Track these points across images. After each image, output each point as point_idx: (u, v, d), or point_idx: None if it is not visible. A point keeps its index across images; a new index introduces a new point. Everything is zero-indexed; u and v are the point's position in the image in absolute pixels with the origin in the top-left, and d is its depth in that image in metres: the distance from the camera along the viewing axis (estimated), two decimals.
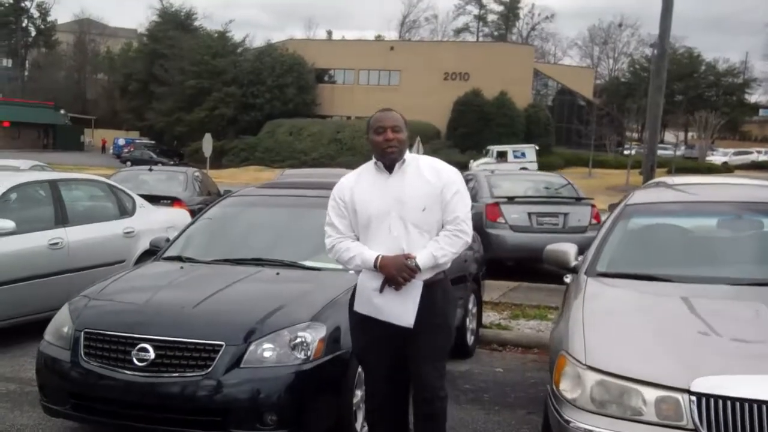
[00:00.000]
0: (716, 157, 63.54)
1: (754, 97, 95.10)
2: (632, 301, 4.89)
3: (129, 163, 55.90)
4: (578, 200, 13.07)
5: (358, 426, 5.14)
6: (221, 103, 62.21)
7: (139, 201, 9.46)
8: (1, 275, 7.37)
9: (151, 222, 9.35)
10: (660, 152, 52.54)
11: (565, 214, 12.56)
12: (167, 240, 6.64)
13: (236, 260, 5.93)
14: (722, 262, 5.54)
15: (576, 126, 66.28)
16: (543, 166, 45.76)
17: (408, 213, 4.28)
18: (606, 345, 4.25)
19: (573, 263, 5.69)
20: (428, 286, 4.30)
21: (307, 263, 5.83)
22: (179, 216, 10.28)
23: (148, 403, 4.73)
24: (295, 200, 6.71)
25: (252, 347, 4.72)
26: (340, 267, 5.79)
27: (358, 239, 4.42)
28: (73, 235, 8.13)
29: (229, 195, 6.96)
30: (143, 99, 70.54)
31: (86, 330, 4.99)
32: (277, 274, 5.63)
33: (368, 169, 4.47)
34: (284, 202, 6.74)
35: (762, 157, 68.60)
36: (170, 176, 15.38)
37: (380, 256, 4.24)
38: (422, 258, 4.24)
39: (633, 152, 58.36)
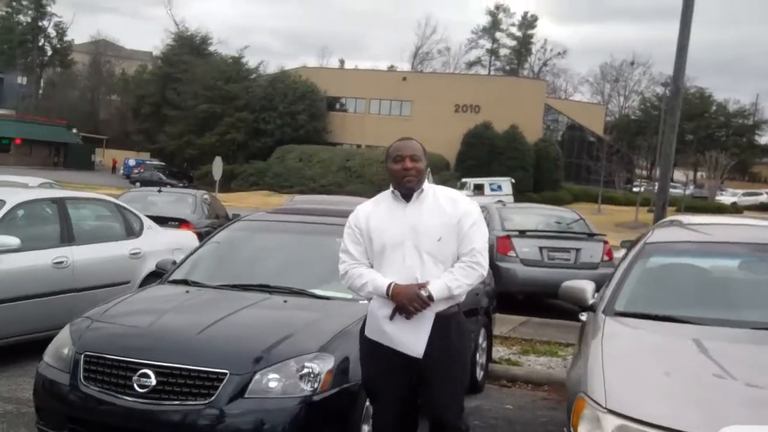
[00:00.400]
0: (725, 197, 63.48)
1: (764, 138, 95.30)
2: (651, 343, 4.73)
3: (138, 183, 56.05)
4: (590, 236, 12.91)
5: None
6: (232, 127, 62.33)
7: (147, 222, 9.33)
8: (3, 292, 7.22)
9: (158, 243, 9.21)
10: (669, 191, 52.67)
11: (577, 250, 12.39)
12: (174, 263, 6.49)
13: (243, 286, 5.78)
14: (742, 305, 5.38)
15: (585, 162, 66.25)
16: (551, 201, 45.47)
17: (423, 242, 4.23)
18: (627, 388, 4.08)
19: (590, 301, 5.54)
20: (442, 318, 4.23)
21: (317, 291, 5.69)
22: (186, 238, 10.14)
23: (148, 431, 4.56)
24: (306, 227, 6.59)
25: (257, 377, 4.56)
26: (350, 296, 5.68)
27: (372, 267, 4.35)
28: (78, 254, 7.99)
29: (238, 219, 6.82)
30: (155, 121, 70.71)
31: (87, 353, 4.84)
32: (285, 301, 5.48)
33: (385, 197, 4.44)
34: (294, 229, 6.61)
35: None
36: (179, 198, 15.28)
37: (393, 284, 4.18)
38: (436, 288, 4.17)
39: (642, 189, 58.27)
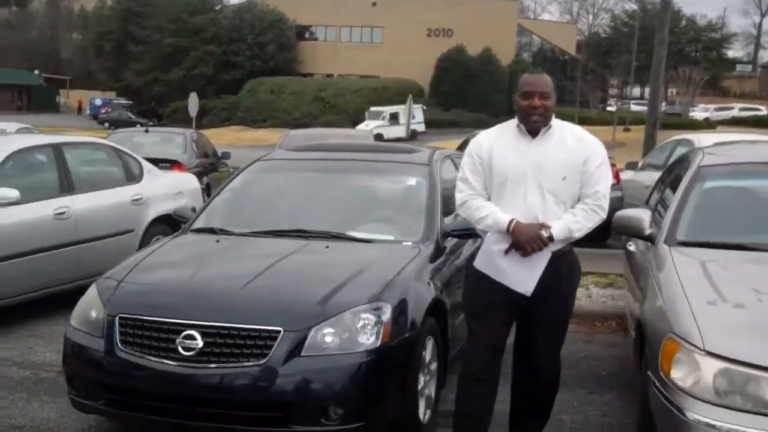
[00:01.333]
0: (697, 113, 63.39)
1: (732, 52, 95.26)
2: (732, 275, 4.40)
3: (107, 124, 54.84)
4: None
5: (421, 415, 4.64)
6: (200, 62, 61.05)
7: (146, 165, 8.77)
8: (4, 248, 6.74)
9: (160, 188, 8.70)
10: (640, 108, 52.26)
11: None
12: (193, 209, 6.00)
13: (277, 232, 5.33)
14: None
15: (559, 82, 65.62)
16: None
17: (546, 180, 4.07)
18: (723, 327, 3.75)
19: (648, 231, 5.19)
20: (555, 257, 4.09)
21: (357, 234, 5.27)
22: (187, 181, 9.64)
23: (196, 397, 4.16)
24: (332, 165, 6.13)
25: (312, 333, 4.16)
26: (392, 238, 5.30)
27: (489, 199, 4.20)
28: (79, 203, 7.48)
29: (257, 160, 6.32)
30: (120, 58, 68.93)
31: (121, 315, 4.40)
32: (327, 247, 5.06)
33: (510, 128, 4.23)
34: (320, 167, 6.13)
35: (743, 113, 68.71)
36: (167, 138, 14.57)
37: (515, 221, 4.04)
38: (557, 229, 4.04)
39: (616, 108, 58.00)
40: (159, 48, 62.96)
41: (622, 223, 5.29)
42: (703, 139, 11.39)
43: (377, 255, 4.91)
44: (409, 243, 5.17)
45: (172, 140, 14.29)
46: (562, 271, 4.16)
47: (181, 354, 4.17)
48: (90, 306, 4.65)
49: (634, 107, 61.04)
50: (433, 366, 4.84)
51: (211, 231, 5.51)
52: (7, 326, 6.93)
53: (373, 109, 48.56)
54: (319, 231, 5.28)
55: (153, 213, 8.40)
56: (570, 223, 4.05)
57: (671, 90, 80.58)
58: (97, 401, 4.43)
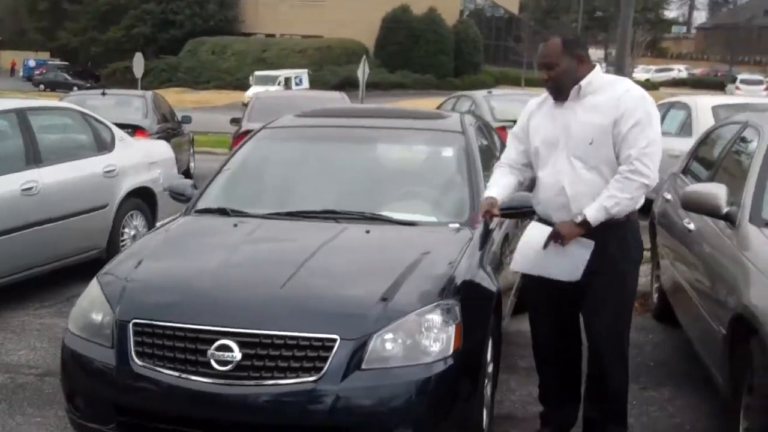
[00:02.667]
0: (638, 74, 63.65)
1: (670, 13, 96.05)
2: None
3: (42, 86, 52.66)
4: None
5: (485, 425, 4.00)
6: (139, 20, 58.75)
7: (118, 132, 7.83)
8: None
9: (134, 157, 7.80)
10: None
11: None
12: (194, 186, 5.16)
13: (304, 214, 4.56)
14: None
15: (504, 43, 65.25)
16: (472, 85, 44.22)
17: (573, 145, 3.84)
18: None
19: (725, 208, 4.56)
20: (601, 231, 3.78)
21: (397, 216, 4.52)
22: (162, 149, 8.72)
23: (233, 422, 3.43)
24: (354, 133, 5.33)
25: (374, 341, 3.45)
26: (436, 220, 4.59)
27: (531, 170, 4.13)
28: (48, 176, 6.56)
29: (263, 128, 5.47)
30: (54, 17, 65.95)
31: (136, 320, 3.61)
32: (367, 232, 4.30)
33: (548, 99, 4.05)
34: (341, 135, 5.34)
35: (682, 74, 69.54)
36: (125, 101, 13.41)
37: (491, 199, 4.02)
38: (592, 212, 3.76)
39: None
40: (95, 6, 60.53)
41: (694, 199, 4.63)
42: (699, 102, 10.89)
43: (428, 241, 4.18)
44: (456, 225, 4.46)
45: (131, 103, 13.16)
46: (609, 247, 3.82)
47: (215, 369, 3.42)
48: (93, 308, 3.84)
49: None
50: (490, 368, 4.17)
51: (223, 212, 4.70)
52: None
53: (259, 73, 44.90)
54: (352, 212, 4.53)
55: (127, 186, 7.55)
56: (604, 200, 3.75)
57: (610, 51, 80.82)
58: (106, 425, 3.64)
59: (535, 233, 3.91)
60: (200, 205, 4.85)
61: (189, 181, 5.35)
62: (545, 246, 3.84)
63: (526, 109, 4.15)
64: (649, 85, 52.65)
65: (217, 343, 3.43)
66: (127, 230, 7.66)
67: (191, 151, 15.19)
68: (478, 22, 63.82)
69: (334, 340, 3.40)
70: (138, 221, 7.85)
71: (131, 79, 30.63)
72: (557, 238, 3.81)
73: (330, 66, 51.80)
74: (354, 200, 4.67)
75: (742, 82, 50.37)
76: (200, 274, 3.89)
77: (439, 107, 14.00)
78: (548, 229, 3.85)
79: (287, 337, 3.41)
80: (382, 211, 4.55)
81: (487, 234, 4.48)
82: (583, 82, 3.83)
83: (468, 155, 4.97)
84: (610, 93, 3.80)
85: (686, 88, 55.66)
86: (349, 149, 5.19)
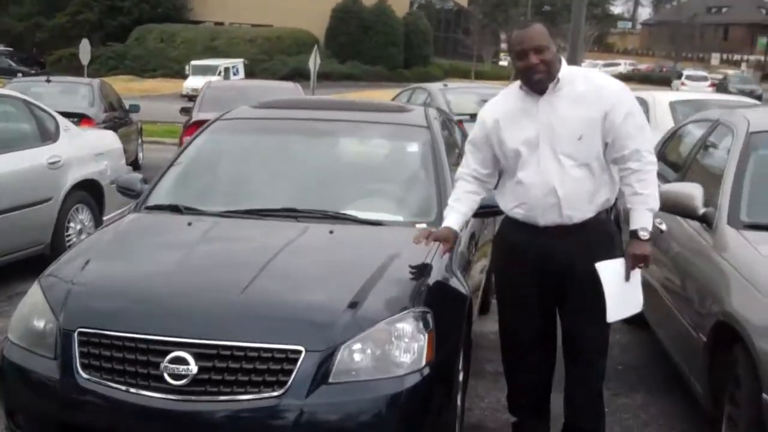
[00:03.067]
0: (585, 68, 64.30)
1: (616, 8, 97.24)
2: None
3: None
4: None
5: None
6: (85, 6, 57.32)
7: (63, 122, 7.44)
8: None
9: (79, 148, 7.41)
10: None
11: None
12: (143, 180, 4.84)
13: (261, 211, 4.28)
14: None
15: (453, 35, 65.23)
16: (422, 78, 43.96)
17: (559, 142, 3.55)
18: None
19: (702, 210, 4.41)
20: (582, 229, 3.62)
21: (362, 215, 4.26)
22: (109, 140, 8.35)
23: None
24: (314, 126, 5.05)
25: (341, 352, 3.20)
26: (402, 219, 4.34)
27: (497, 176, 3.83)
28: None
29: (218, 119, 5.17)
30: None
31: (81, 330, 3.31)
32: (331, 232, 4.04)
33: (514, 92, 3.72)
34: (300, 129, 5.05)
35: (628, 68, 70.48)
36: (71, 89, 12.90)
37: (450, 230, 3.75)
38: (643, 221, 3.56)
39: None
40: None
41: (671, 200, 4.45)
42: (657, 97, 10.80)
43: (395, 243, 3.92)
44: (424, 225, 4.21)
45: (77, 91, 12.66)
46: (594, 245, 3.61)
47: (168, 383, 3.14)
48: (34, 314, 3.53)
49: None
50: (461, 376, 3.94)
51: (175, 209, 4.40)
52: None
53: (196, 62, 42.78)
54: (314, 210, 4.26)
55: (72, 178, 7.18)
56: (642, 204, 3.55)
57: (558, 44, 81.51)
58: None
59: (608, 275, 3.55)
60: (151, 202, 4.54)
61: (138, 175, 5.03)
62: (627, 278, 3.56)
63: (484, 115, 3.78)
64: None
65: (170, 355, 3.15)
66: (72, 225, 7.30)
67: (139, 141, 14.76)
68: (428, 14, 63.67)
69: (299, 352, 3.14)
70: (84, 215, 7.49)
71: (77, 66, 29.87)
72: (640, 262, 3.55)
73: (280, 56, 51.26)
74: (316, 198, 4.40)
75: (688, 78, 51.02)
76: (152, 278, 3.60)
77: (393, 100, 13.78)
78: (618, 262, 3.57)
79: (248, 348, 3.15)
80: (346, 210, 4.29)
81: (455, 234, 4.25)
82: (561, 73, 3.54)
83: (434, 151, 4.74)
84: (587, 84, 3.56)
85: (633, 83, 56.23)
86: (309, 143, 4.93)
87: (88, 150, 7.56)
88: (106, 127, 10.96)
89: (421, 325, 3.35)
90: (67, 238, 7.16)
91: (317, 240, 3.96)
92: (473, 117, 10.56)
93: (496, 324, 4.08)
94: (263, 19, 56.04)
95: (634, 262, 3.55)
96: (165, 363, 3.14)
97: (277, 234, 3.98)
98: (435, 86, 12.53)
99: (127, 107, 14.02)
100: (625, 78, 61.05)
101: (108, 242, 4.08)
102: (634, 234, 3.55)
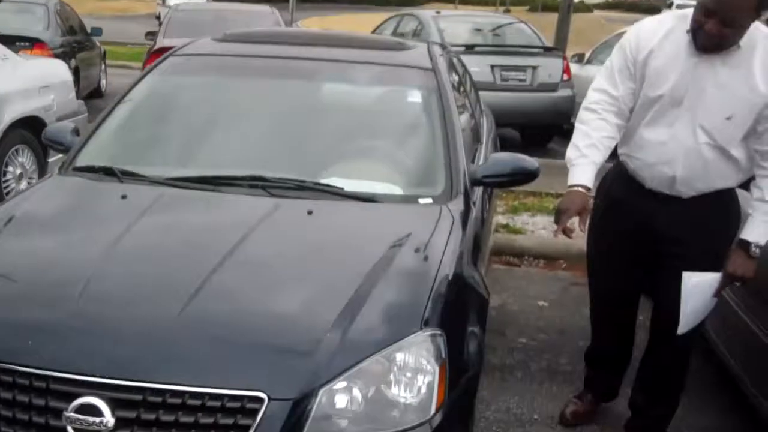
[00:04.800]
0: None
1: None
2: None
3: None
4: (546, 50, 10.78)
5: None
6: None
7: (2, 50, 6.37)
8: None
9: (19, 80, 6.35)
10: None
11: (534, 68, 10.19)
12: (75, 131, 3.78)
13: (218, 179, 3.25)
14: None
15: None
16: (407, 3, 42.58)
17: (705, 114, 3.01)
18: None
19: None
20: (692, 199, 3.17)
21: (349, 186, 3.25)
22: (55, 70, 7.25)
23: None
24: (291, 66, 3.97)
25: (320, 398, 2.26)
26: (401, 192, 3.37)
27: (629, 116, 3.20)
28: None
29: (170, 54, 4.11)
30: None
31: None
32: (310, 213, 3.04)
33: (680, 32, 3.03)
34: (273, 70, 3.98)
35: None
36: (22, 8, 11.56)
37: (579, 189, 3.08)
38: (759, 235, 3.04)
39: None
40: None
41: None
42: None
43: (394, 228, 2.96)
44: (429, 200, 3.25)
45: (31, 11, 11.44)
46: (711, 222, 3.17)
47: None
48: None
49: None
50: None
51: (109, 172, 3.36)
52: None
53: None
54: (287, 179, 3.23)
55: (11, 115, 6.11)
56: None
57: None
58: None
59: (693, 289, 3.11)
60: (80, 161, 3.51)
61: (69, 125, 3.99)
62: (716, 295, 3.16)
63: (641, 34, 3.13)
64: (582, 7, 51.90)
65: (77, 401, 2.19)
66: (11, 169, 6.31)
67: (102, 66, 13.66)
68: None
69: (260, 400, 2.20)
70: (25, 158, 6.48)
71: None
72: (737, 282, 3.13)
73: None
74: (290, 163, 3.40)
75: (678, 7, 49.80)
76: (58, 285, 2.57)
77: (377, 28, 12.67)
78: (711, 277, 3.11)
79: (187, 393, 2.20)
80: (329, 179, 3.29)
81: (468, 211, 3.31)
82: (743, 41, 2.92)
83: (442, 100, 3.73)
84: (764, 57, 2.94)
85: (620, 11, 55.33)
86: (284, 90, 3.87)
87: (31, 82, 6.48)
88: (63, 53, 9.94)
89: (430, 353, 2.42)
90: (5, 185, 6.18)
91: (290, 226, 2.96)
92: (468, 48, 9.80)
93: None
94: None
95: (732, 281, 3.11)
96: (69, 412, 2.19)
97: (237, 215, 2.99)
98: (426, 13, 11.44)
99: (89, 30, 12.85)
100: (612, 5, 59.78)
101: (11, 225, 3.00)
102: (742, 245, 3.05)
